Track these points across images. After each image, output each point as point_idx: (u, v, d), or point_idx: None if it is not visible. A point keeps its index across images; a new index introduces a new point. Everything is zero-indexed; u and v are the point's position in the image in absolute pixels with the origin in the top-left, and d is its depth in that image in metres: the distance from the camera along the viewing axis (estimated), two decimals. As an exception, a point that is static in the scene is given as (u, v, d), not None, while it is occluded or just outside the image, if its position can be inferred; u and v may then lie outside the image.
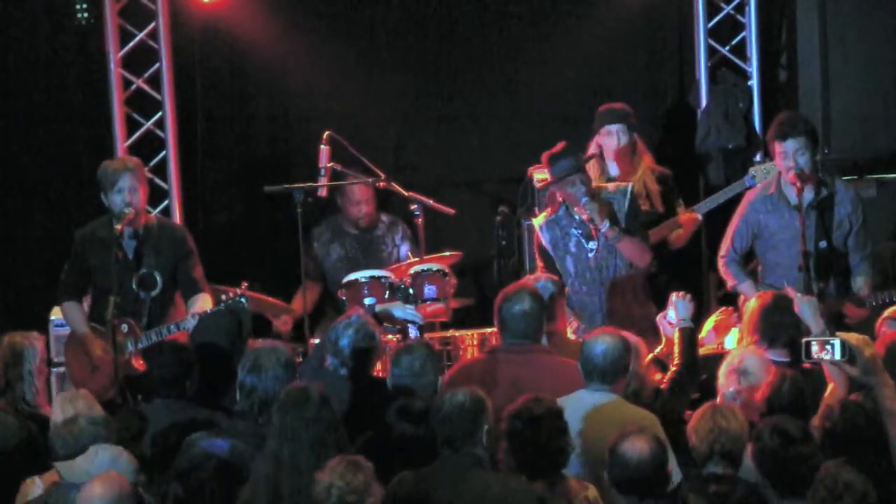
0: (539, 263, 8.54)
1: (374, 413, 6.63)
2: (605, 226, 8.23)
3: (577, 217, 8.35)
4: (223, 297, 8.27)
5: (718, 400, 6.81)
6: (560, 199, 8.45)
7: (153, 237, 8.46)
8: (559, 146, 8.34)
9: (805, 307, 6.87)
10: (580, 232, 8.38)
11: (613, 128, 9.03)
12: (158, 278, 8.41)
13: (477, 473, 6.07)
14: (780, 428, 5.89)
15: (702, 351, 7.68)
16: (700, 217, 9.39)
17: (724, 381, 6.96)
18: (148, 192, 8.61)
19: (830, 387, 6.63)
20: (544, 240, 8.48)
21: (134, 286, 8.37)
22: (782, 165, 8.45)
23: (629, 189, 8.50)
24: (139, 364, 8.22)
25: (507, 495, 5.99)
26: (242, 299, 8.21)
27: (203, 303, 8.32)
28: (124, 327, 8.25)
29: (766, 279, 8.64)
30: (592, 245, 8.39)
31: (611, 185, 8.61)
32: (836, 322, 8.15)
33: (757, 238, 8.67)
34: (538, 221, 8.57)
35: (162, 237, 8.49)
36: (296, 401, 6.10)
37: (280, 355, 6.66)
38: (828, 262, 8.52)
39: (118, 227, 8.26)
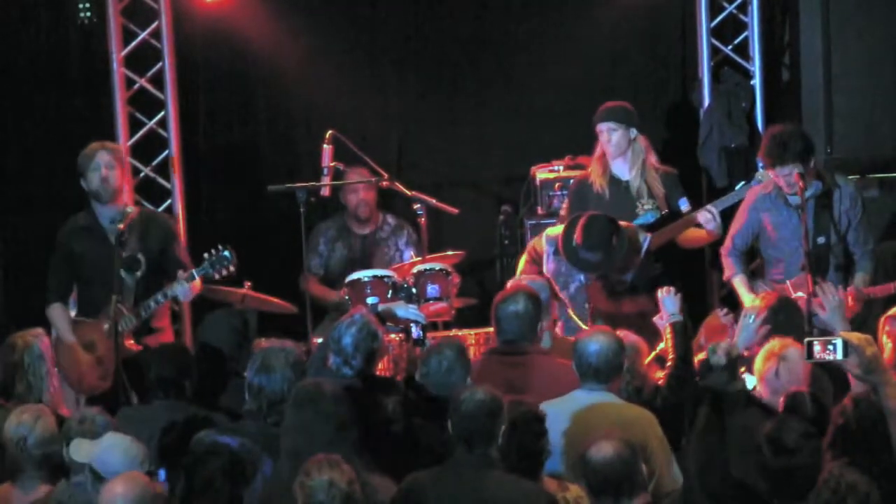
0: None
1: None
2: None
3: None
4: (205, 254, 8.32)
5: (760, 387, 6.71)
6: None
7: (136, 222, 8.51)
8: (595, 230, 8.28)
9: (834, 309, 6.75)
10: (585, 282, 8.42)
11: (603, 126, 8.97)
12: (142, 258, 8.42)
13: (491, 474, 6.05)
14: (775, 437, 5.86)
15: (702, 356, 7.66)
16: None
17: (762, 365, 6.73)
18: (128, 177, 8.64)
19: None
20: (547, 267, 8.49)
21: (119, 270, 8.38)
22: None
23: (647, 238, 8.51)
24: (131, 344, 8.28)
25: (520, 497, 5.98)
26: (226, 252, 8.27)
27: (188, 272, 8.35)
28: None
29: (768, 276, 8.66)
30: None
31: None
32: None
33: (758, 237, 8.68)
34: (551, 234, 8.56)
35: (147, 223, 8.57)
36: (311, 396, 6.11)
37: (289, 355, 6.66)
38: (826, 257, 8.54)
39: (121, 226, 8.27)
